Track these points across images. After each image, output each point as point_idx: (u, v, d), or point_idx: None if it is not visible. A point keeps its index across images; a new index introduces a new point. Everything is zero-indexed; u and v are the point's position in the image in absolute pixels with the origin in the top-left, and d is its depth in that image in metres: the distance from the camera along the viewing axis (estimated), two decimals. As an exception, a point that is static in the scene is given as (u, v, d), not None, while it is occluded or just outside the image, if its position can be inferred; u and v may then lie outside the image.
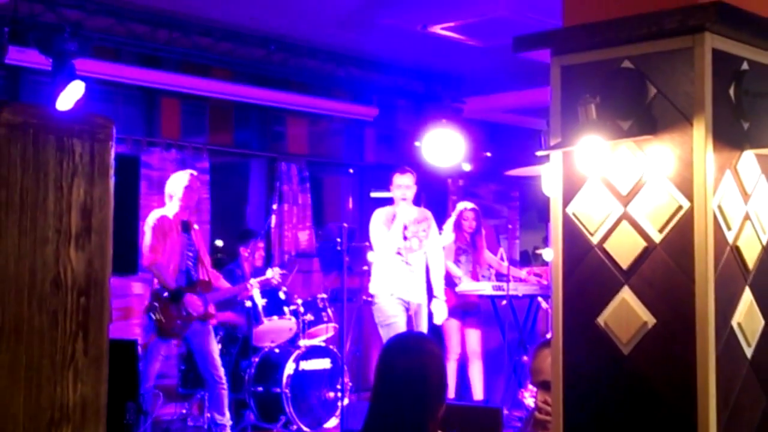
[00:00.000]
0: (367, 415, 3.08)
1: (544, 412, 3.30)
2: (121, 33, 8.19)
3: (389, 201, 8.24)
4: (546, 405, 3.30)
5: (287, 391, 7.93)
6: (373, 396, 3.11)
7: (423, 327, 8.04)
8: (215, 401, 7.61)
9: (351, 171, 10.76)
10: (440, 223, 8.86)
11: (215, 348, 7.65)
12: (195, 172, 7.79)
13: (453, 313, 8.81)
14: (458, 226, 9.12)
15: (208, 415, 7.84)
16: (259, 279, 8.16)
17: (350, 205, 11.04)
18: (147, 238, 7.29)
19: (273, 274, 8.21)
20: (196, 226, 7.80)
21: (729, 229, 2.78)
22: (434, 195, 8.37)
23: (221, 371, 7.58)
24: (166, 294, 7.35)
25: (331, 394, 8.23)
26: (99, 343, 2.25)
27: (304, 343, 8.35)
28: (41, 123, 2.19)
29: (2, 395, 2.12)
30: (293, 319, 8.46)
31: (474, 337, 9.03)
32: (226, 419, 7.61)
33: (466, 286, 8.75)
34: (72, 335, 2.22)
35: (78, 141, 2.23)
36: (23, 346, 2.15)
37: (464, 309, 8.92)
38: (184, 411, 8.37)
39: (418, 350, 3.09)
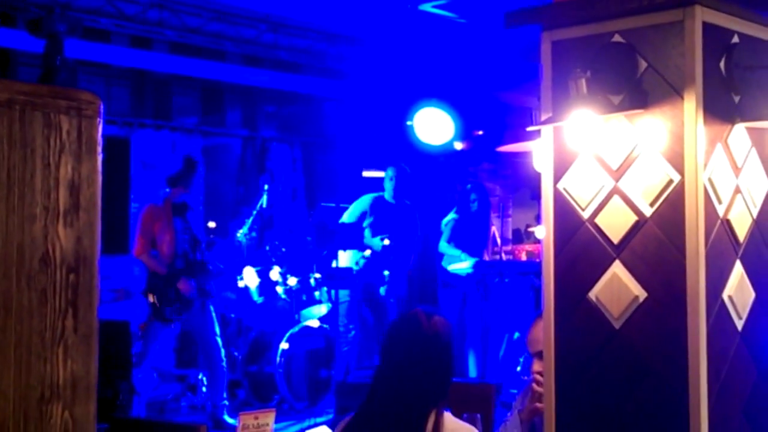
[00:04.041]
0: (368, 393, 2.98)
1: (539, 383, 3.29)
2: (112, 14, 8.15)
3: (380, 180, 8.23)
4: (540, 375, 3.29)
5: (281, 370, 7.94)
6: (376, 373, 3.01)
7: None
8: (214, 382, 7.58)
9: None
10: (432, 202, 8.81)
11: (216, 329, 7.61)
12: (190, 156, 7.75)
13: (452, 291, 8.81)
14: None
15: (204, 394, 7.84)
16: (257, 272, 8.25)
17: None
18: (138, 229, 7.25)
19: (275, 275, 8.30)
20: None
21: (720, 202, 2.78)
22: (426, 174, 8.34)
23: (222, 352, 7.55)
24: (161, 278, 7.32)
25: (325, 373, 8.24)
26: (88, 320, 2.25)
27: (297, 322, 8.35)
28: (28, 99, 2.18)
29: (-7, 373, 2.12)
30: (286, 298, 8.47)
31: (471, 314, 9.03)
32: (224, 400, 7.60)
33: (456, 263, 8.74)
34: (61, 312, 2.22)
35: (65, 117, 2.22)
36: (12, 323, 2.14)
37: (461, 287, 8.92)
38: (178, 391, 8.37)
39: (427, 327, 2.98)
